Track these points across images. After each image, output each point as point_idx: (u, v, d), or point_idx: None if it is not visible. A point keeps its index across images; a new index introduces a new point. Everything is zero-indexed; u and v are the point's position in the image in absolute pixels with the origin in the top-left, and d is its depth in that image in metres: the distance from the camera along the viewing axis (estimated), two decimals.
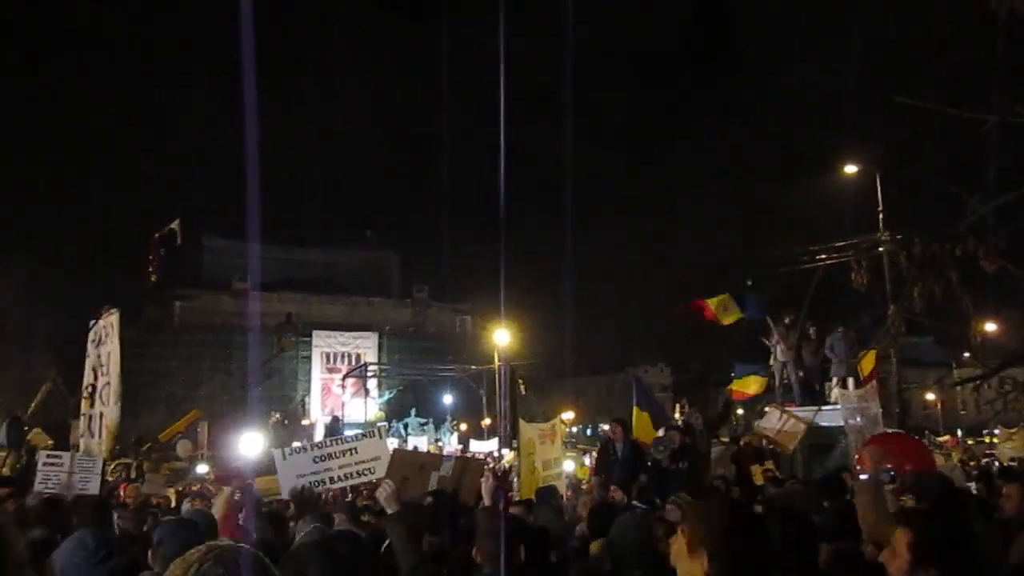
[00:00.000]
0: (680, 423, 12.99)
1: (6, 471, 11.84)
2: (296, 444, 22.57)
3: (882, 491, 4.39)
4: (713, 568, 2.34)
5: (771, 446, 13.21)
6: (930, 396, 44.87)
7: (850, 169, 19.33)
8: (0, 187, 68.81)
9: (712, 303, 17.35)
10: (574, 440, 34.91)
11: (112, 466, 17.20)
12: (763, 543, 2.50)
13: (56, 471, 8.85)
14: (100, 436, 10.72)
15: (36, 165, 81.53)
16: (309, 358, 52.77)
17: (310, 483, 9.63)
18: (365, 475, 9.67)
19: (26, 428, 19.62)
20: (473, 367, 39.14)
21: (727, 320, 17.42)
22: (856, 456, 8.36)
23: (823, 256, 16.45)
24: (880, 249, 14.81)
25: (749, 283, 18.02)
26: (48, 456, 9.27)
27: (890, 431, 11.56)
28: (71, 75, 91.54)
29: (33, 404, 8.35)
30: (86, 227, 68.27)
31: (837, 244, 16.82)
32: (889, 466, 5.41)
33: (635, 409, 13.20)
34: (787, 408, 15.14)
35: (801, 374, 16.46)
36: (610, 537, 4.67)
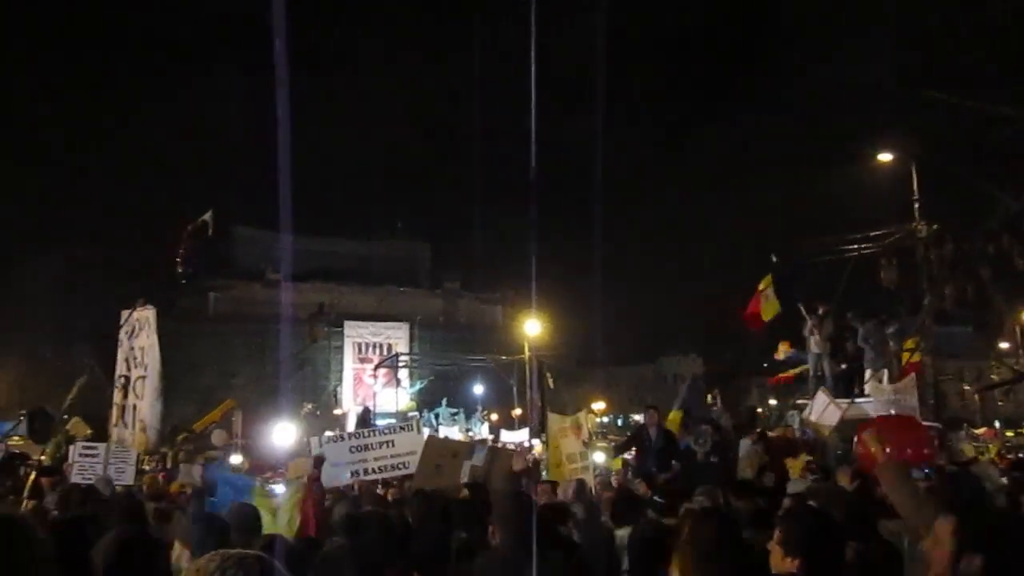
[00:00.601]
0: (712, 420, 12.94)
1: (46, 460, 12.03)
2: (332, 432, 22.79)
3: (905, 470, 4.30)
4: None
5: (806, 437, 13.05)
6: (968, 387, 44.31)
7: (884, 157, 18.96)
8: (33, 179, 70.05)
9: (763, 309, 17.11)
10: (605, 431, 34.89)
11: (148, 456, 17.50)
12: (748, 563, 2.59)
13: (92, 462, 8.98)
14: (133, 427, 10.89)
15: (69, 156, 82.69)
16: (341, 348, 53.14)
17: (351, 472, 9.69)
18: (400, 468, 9.67)
19: (66, 417, 19.96)
20: (504, 357, 39.15)
21: (769, 317, 17.21)
22: (856, 439, 8.20)
23: (857, 246, 16.22)
24: (919, 238, 14.61)
25: (774, 259, 17.74)
26: (84, 447, 9.42)
27: (893, 414, 11.31)
28: (103, 66, 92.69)
29: (69, 397, 8.49)
30: (119, 219, 69.13)
31: (872, 234, 16.58)
32: (888, 449, 5.36)
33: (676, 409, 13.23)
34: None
35: (844, 366, 16.21)
36: None
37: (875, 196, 20.81)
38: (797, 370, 17.81)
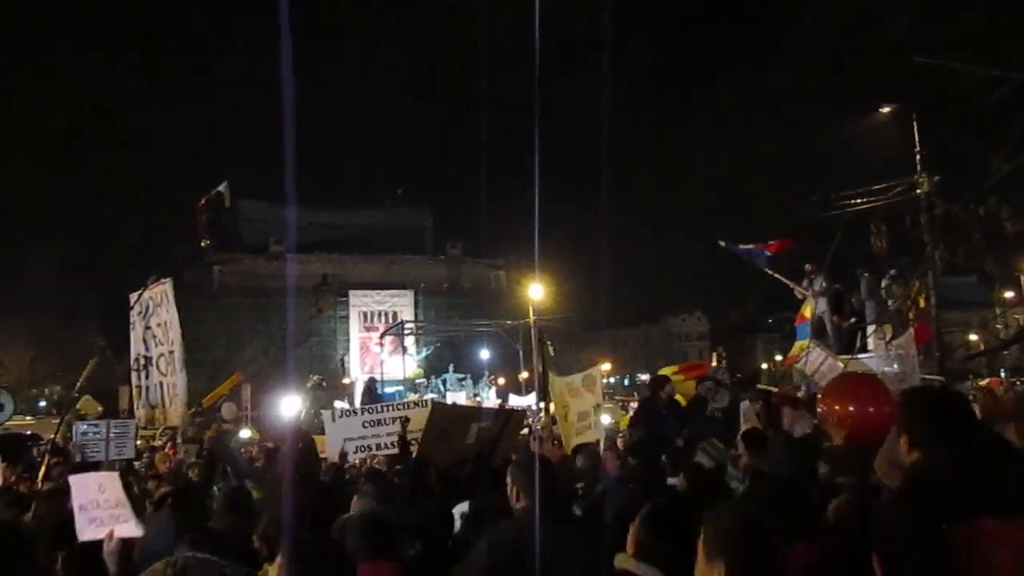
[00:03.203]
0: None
1: (59, 440, 12.15)
2: (345, 406, 22.93)
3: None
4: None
5: (807, 395, 13.09)
6: (973, 337, 44.10)
7: (885, 109, 18.77)
8: (34, 164, 69.89)
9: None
10: (612, 391, 35.05)
11: (159, 431, 17.68)
12: (774, 548, 2.57)
13: (95, 439, 9.02)
14: (166, 405, 10.91)
15: (69, 139, 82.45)
16: (347, 318, 53.28)
17: (356, 447, 9.71)
18: (412, 444, 9.69)
19: (76, 396, 20.15)
20: (508, 322, 39.24)
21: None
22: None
23: (859, 200, 16.14)
24: (917, 192, 14.53)
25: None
26: (87, 426, 9.47)
27: (858, 373, 11.27)
28: (103, 43, 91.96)
29: (83, 376, 8.54)
30: (121, 199, 69.10)
31: (874, 187, 16.49)
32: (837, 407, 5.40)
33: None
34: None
35: (853, 320, 16.19)
36: None
37: (876, 150, 20.68)
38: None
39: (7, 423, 11.42)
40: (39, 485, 6.66)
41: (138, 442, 14.69)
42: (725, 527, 2.55)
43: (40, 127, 74.42)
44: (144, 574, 1.42)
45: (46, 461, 7.90)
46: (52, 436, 9.79)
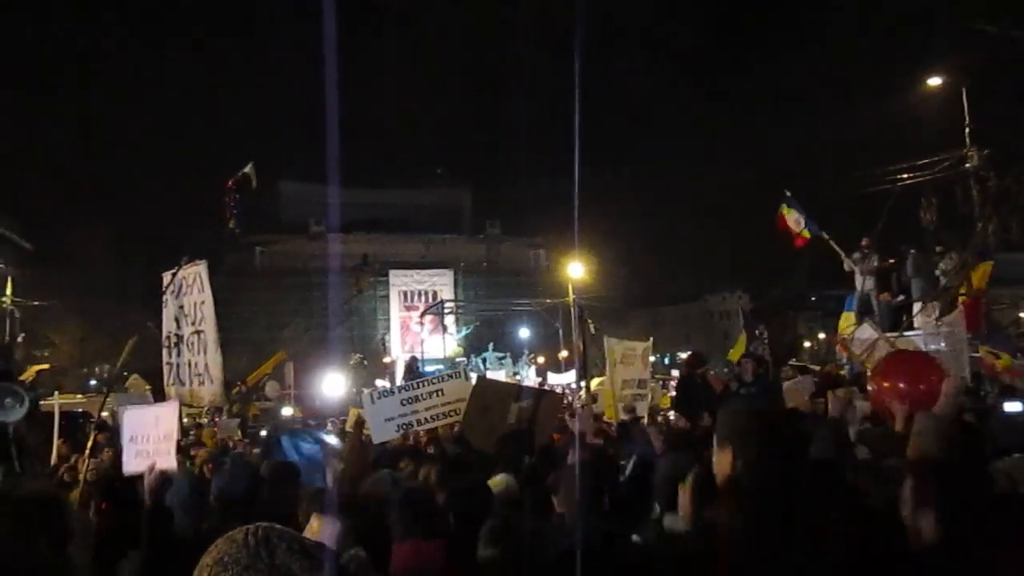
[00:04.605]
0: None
1: (107, 417, 12.41)
2: (383, 386, 23.15)
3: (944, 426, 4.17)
4: (738, 464, 2.49)
5: (852, 374, 12.87)
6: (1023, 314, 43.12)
7: (934, 82, 18.29)
8: (84, 144, 71.17)
9: (788, 218, 16.66)
10: (652, 370, 34.89)
11: (204, 409, 17.99)
12: (787, 444, 2.60)
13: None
14: (193, 384, 11.03)
15: (114, 122, 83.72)
16: (387, 297, 53.72)
17: (397, 426, 9.76)
18: (451, 416, 9.69)
19: (125, 374, 20.57)
20: (548, 301, 39.22)
21: (802, 238, 16.76)
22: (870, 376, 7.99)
23: (905, 176, 15.78)
24: (966, 165, 14.15)
25: (788, 193, 17.24)
26: (130, 405, 9.57)
27: (910, 351, 10.96)
28: (146, 23, 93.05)
29: (122, 356, 8.67)
30: (167, 180, 70.19)
31: (920, 162, 16.11)
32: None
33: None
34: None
35: (902, 297, 15.88)
36: None
37: (923, 124, 20.18)
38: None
39: (54, 402, 11.68)
40: (86, 462, 6.79)
41: (184, 419, 14.96)
42: (733, 414, 2.63)
43: (90, 110, 75.70)
44: (223, 539, 1.39)
45: (92, 437, 8.03)
46: (97, 414, 9.92)
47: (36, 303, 35.03)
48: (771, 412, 2.68)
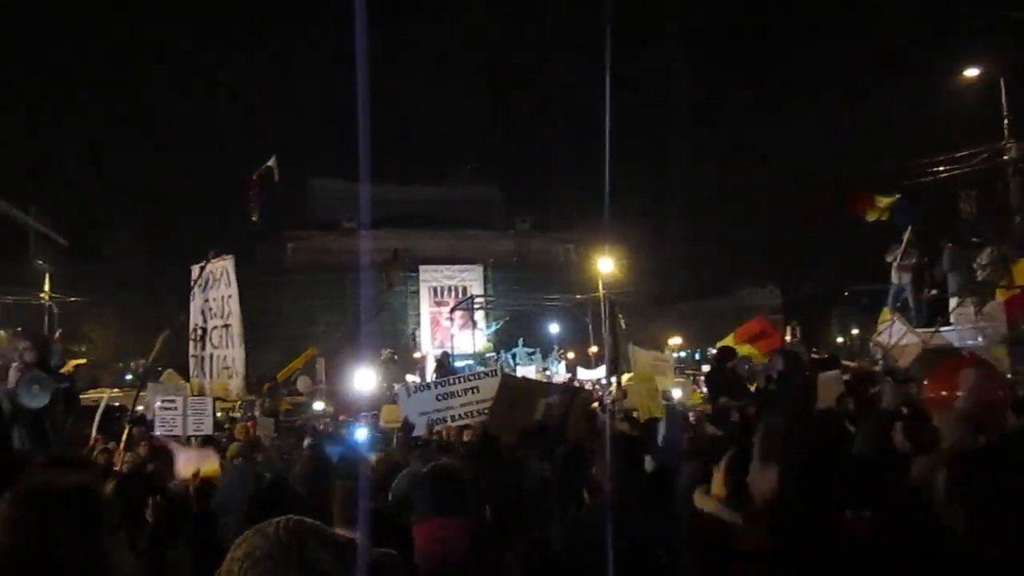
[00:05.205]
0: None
1: (142, 411, 12.57)
2: (417, 380, 23.26)
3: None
4: (784, 479, 2.38)
5: (884, 369, 12.69)
6: None
7: (971, 73, 17.92)
8: (117, 144, 72.17)
9: (880, 201, 16.08)
10: (682, 365, 34.73)
11: (238, 404, 18.16)
12: (834, 460, 2.51)
13: (172, 414, 9.17)
14: (215, 377, 11.14)
15: (146, 118, 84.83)
16: (417, 292, 53.95)
17: (431, 420, 9.80)
18: (483, 414, 9.70)
19: (159, 369, 20.81)
20: (577, 296, 39.14)
21: (871, 216, 16.24)
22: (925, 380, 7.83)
23: (940, 168, 15.48)
24: (1004, 158, 13.88)
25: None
26: (163, 401, 9.65)
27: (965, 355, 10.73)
28: (176, 21, 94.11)
29: (154, 350, 8.77)
30: (198, 177, 70.92)
31: (957, 155, 15.80)
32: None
33: None
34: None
35: (934, 291, 15.60)
36: None
37: (960, 118, 19.77)
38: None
39: (94, 396, 11.84)
40: (122, 455, 6.90)
41: (218, 414, 15.07)
42: (780, 432, 2.51)
43: (125, 109, 76.80)
44: (253, 532, 1.38)
45: (127, 431, 8.16)
46: (131, 406, 10.04)
47: (73, 299, 35.62)
48: (819, 431, 2.56)
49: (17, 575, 1.80)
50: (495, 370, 11.45)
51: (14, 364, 6.80)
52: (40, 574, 1.81)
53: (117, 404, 17.55)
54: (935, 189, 15.59)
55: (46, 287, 32.86)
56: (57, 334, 14.89)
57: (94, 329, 42.85)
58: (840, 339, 59.99)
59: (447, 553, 3.12)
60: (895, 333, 13.52)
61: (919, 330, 14.42)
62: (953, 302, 14.90)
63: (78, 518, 1.89)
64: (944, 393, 5.50)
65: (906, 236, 15.83)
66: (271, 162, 17.63)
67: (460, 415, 9.89)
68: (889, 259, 16.11)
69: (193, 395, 10.84)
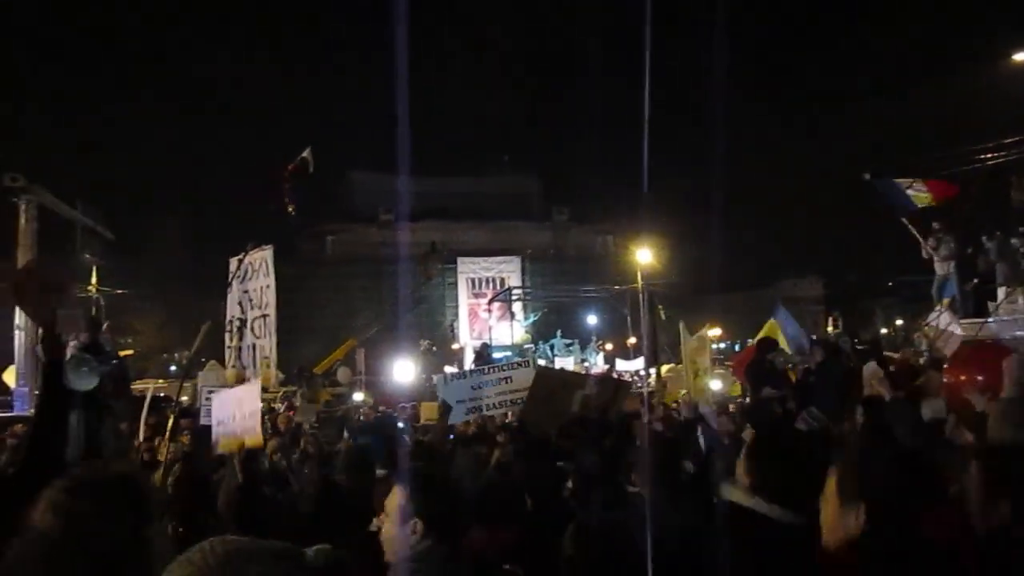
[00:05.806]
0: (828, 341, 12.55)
1: (187, 402, 12.77)
2: (455, 370, 23.41)
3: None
4: (871, 517, 2.20)
5: (929, 360, 12.46)
6: None
7: (1020, 57, 17.46)
8: (162, 138, 73.38)
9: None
10: (722, 356, 34.46)
11: (279, 394, 18.43)
12: (917, 492, 2.32)
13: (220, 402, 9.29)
14: (256, 366, 11.27)
15: (192, 112, 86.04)
16: (455, 284, 54.12)
17: (467, 410, 9.89)
18: (517, 404, 9.76)
19: (203, 360, 21.17)
20: (616, 287, 38.98)
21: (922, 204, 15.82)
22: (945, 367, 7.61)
23: (987, 156, 15.13)
24: None
25: (867, 177, 16.23)
26: (209, 391, 9.76)
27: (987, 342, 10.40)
28: (217, 17, 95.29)
29: (196, 342, 8.94)
30: (240, 170, 71.92)
31: (1006, 141, 15.44)
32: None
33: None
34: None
35: (975, 281, 15.30)
36: None
37: (1009, 103, 19.27)
38: None
39: (140, 387, 12.09)
40: (167, 444, 7.02)
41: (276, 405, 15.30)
42: (865, 468, 2.32)
43: (169, 104, 78.12)
44: (176, 562, 1.24)
45: (170, 422, 8.28)
46: (175, 397, 10.23)
47: (119, 291, 36.31)
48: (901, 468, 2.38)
49: (63, 560, 1.85)
50: (527, 360, 11.47)
51: (71, 343, 6.95)
52: (85, 559, 1.86)
53: (162, 395, 17.93)
54: (983, 177, 15.24)
55: (93, 280, 33.48)
56: (105, 326, 15.19)
57: (139, 321, 43.66)
58: (884, 330, 59.07)
59: (497, 558, 3.16)
60: (942, 323, 13.30)
61: (964, 320, 14.16)
62: (1001, 292, 14.61)
63: (123, 507, 1.94)
64: (964, 378, 5.42)
65: (934, 226, 15.50)
66: (306, 153, 17.75)
67: (494, 404, 9.96)
68: (925, 253, 15.82)
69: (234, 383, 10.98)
